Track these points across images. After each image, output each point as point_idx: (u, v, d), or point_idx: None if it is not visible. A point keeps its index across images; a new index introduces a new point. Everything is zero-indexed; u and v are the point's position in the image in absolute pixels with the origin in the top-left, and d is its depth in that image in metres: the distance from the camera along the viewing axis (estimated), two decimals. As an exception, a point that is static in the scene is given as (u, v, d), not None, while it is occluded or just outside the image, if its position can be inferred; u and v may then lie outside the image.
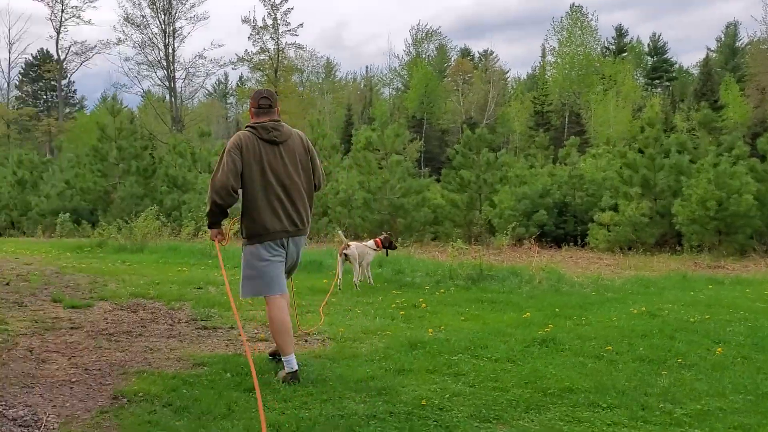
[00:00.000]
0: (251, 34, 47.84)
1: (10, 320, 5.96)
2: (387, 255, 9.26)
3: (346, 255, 8.64)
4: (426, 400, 4.04)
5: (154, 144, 32.27)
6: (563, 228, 18.94)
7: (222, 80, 72.64)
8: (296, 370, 4.46)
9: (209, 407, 3.80)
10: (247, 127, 4.67)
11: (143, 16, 47.38)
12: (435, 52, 66.17)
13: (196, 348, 5.36)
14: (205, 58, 61.00)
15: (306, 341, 5.72)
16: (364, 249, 8.94)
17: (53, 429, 3.48)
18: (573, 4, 55.54)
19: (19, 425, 3.52)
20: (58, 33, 50.89)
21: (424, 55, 65.55)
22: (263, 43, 48.60)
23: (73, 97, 65.73)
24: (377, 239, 9.19)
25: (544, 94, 53.24)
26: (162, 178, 21.84)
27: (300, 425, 3.57)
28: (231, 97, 73.03)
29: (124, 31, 59.42)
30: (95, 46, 54.33)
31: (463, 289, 8.57)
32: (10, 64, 55.26)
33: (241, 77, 67.27)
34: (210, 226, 4.75)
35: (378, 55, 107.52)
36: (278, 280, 4.63)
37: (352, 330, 6.03)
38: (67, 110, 61.64)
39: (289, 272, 4.88)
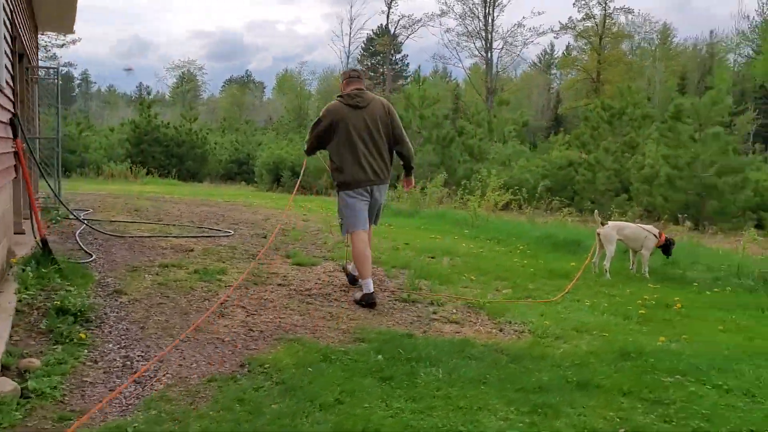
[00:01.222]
0: (576, 0, 45.85)
1: (231, 271, 6.19)
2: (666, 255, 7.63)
3: (598, 235, 7.48)
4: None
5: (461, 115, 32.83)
6: None
7: (548, 50, 71.09)
8: (372, 293, 5.31)
9: (319, 393, 3.32)
10: (337, 96, 5.59)
11: (465, -14, 48.39)
12: (797, 11, 56.19)
13: (377, 320, 4.94)
14: (524, 26, 60.06)
15: (501, 330, 4.93)
16: (638, 232, 7.52)
17: (156, 389, 3.32)
18: None
19: (136, 381, 3.43)
20: (389, 8, 54.61)
21: (782, 15, 56.16)
22: (589, 9, 46.27)
23: (406, 69, 70.34)
24: (662, 232, 7.69)
25: None
26: (459, 146, 22.02)
27: (398, 436, 2.91)
28: (555, 68, 71.16)
29: (446, 2, 61.46)
30: (420, 18, 57.18)
31: (747, 291, 6.82)
32: (350, 39, 60.98)
33: (567, 46, 65.11)
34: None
35: (729, 19, 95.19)
36: (361, 219, 5.52)
37: (562, 325, 5.06)
38: (400, 83, 66.26)
39: (374, 217, 5.72)
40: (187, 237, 8.12)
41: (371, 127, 5.42)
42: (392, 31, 56.64)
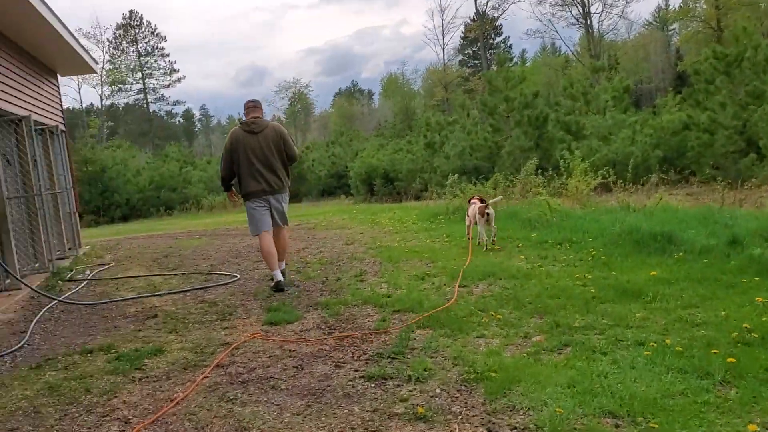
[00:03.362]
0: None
1: (174, 347, 4.76)
2: None
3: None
4: None
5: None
6: None
7: (662, 5, 65.03)
8: (280, 280, 6.50)
9: None
10: (239, 123, 6.87)
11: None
12: None
13: (303, 427, 3.27)
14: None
15: (489, 430, 3.10)
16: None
17: None
18: None
19: None
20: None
21: None
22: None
23: (510, 52, 66.93)
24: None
25: None
26: (554, 125, 19.58)
27: None
28: (674, 23, 65.02)
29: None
30: (510, -5, 54.18)
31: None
32: (443, 30, 58.81)
33: (683, -3, 59.16)
34: (225, 190, 6.99)
35: None
36: (263, 223, 6.74)
37: (593, 404, 3.14)
38: (508, 65, 63.07)
39: (279, 220, 6.86)
40: (174, 293, 6.83)
41: (265, 149, 6.67)
42: (483, 14, 53.90)
